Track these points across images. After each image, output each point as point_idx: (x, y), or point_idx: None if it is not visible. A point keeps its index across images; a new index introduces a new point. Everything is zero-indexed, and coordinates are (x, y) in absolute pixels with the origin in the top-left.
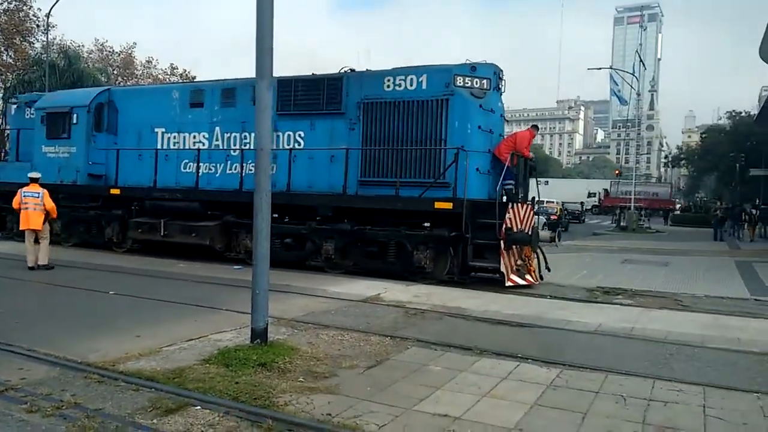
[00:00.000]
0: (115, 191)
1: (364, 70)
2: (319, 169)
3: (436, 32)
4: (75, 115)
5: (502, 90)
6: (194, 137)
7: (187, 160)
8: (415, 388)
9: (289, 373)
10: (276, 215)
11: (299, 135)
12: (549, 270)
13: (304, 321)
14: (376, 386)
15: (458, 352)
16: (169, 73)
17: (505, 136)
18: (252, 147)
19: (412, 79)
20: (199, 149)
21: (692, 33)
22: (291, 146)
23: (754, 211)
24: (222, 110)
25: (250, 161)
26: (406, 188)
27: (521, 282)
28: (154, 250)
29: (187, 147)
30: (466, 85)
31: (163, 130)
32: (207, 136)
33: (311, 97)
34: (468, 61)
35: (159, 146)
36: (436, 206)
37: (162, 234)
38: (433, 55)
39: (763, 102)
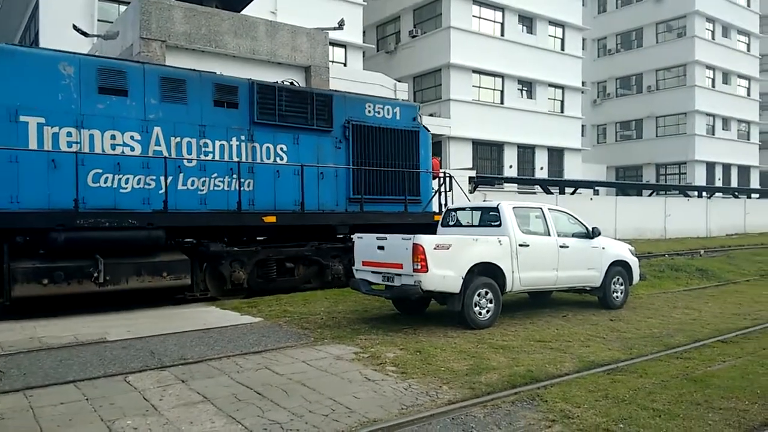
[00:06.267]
0: None
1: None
2: (307, 187)
3: None
4: None
5: None
6: (113, 137)
7: (100, 170)
8: None
9: None
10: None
11: (281, 148)
12: None
13: None
14: None
15: None
16: None
17: None
18: (218, 158)
19: (388, 109)
20: (166, 158)
21: None
22: (272, 160)
23: None
24: (164, 106)
25: (216, 176)
26: (391, 204)
27: None
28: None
29: (98, 151)
30: (419, 121)
31: (42, 120)
32: (138, 137)
33: (297, 110)
34: (406, 100)
35: (33, 145)
36: (435, 219)
37: (100, 281)
38: None
39: None
